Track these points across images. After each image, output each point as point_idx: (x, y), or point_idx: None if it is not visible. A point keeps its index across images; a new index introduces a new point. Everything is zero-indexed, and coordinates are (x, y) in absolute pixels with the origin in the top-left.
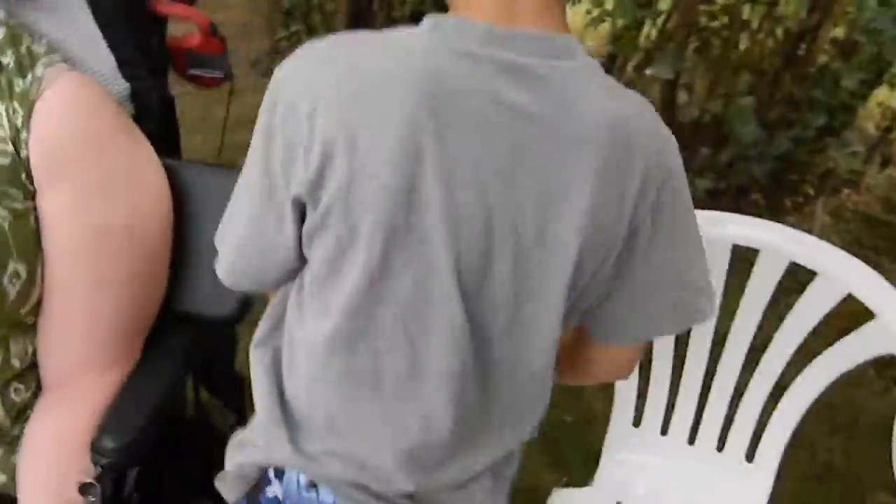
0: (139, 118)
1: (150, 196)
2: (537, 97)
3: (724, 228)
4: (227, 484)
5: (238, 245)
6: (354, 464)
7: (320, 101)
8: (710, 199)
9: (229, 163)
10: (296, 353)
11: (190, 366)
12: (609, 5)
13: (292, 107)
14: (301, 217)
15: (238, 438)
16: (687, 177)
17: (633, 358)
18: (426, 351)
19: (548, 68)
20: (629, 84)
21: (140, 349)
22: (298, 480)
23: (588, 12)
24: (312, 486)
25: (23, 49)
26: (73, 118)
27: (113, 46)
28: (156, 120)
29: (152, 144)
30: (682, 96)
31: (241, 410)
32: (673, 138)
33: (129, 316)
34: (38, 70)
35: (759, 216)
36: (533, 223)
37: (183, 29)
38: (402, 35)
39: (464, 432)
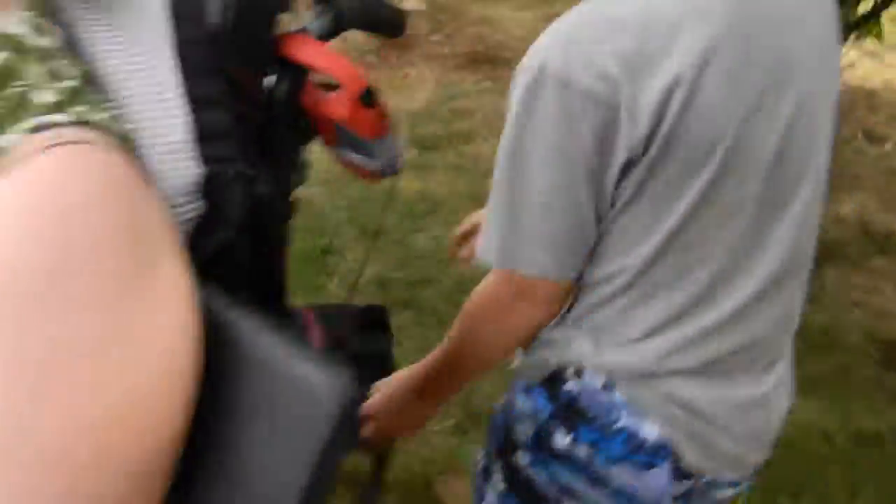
0: (210, 223)
1: (150, 374)
2: None
3: None
4: (524, 373)
5: (565, 240)
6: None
7: (628, 62)
8: None
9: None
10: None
11: None
12: None
13: (601, 75)
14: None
15: (541, 339)
16: None
17: None
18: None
19: None
20: None
21: None
22: (595, 382)
23: None
24: (606, 387)
25: (11, 91)
26: (34, 232)
27: (194, 102)
28: (234, 228)
29: (226, 266)
30: None
31: None
32: None
33: None
34: (13, 135)
35: None
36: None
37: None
38: None
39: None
